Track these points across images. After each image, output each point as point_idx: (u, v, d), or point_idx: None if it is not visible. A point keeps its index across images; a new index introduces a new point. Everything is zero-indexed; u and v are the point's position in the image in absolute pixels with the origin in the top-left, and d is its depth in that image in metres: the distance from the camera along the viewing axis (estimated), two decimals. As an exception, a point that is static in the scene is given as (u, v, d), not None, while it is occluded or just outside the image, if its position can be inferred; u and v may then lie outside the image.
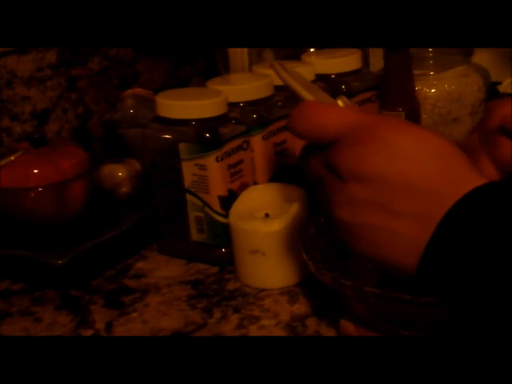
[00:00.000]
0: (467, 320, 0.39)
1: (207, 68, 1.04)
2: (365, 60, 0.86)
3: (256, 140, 0.69)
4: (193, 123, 0.64)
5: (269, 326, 0.58)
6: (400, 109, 0.75)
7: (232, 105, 0.67)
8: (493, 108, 0.56)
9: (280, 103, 0.71)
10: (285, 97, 0.70)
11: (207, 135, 0.64)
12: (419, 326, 0.51)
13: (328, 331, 0.56)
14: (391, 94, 0.76)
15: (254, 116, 0.69)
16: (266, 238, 0.62)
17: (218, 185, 0.65)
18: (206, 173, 0.65)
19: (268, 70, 0.70)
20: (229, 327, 0.58)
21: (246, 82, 0.72)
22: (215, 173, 0.65)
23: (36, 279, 0.66)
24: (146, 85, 0.95)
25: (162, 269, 0.68)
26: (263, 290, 0.63)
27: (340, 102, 0.48)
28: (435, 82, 0.82)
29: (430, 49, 0.83)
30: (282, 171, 0.72)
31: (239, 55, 0.87)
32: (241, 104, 0.69)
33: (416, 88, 0.78)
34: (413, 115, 0.76)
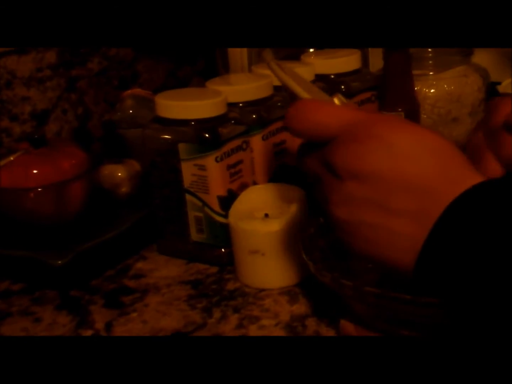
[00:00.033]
0: (464, 319, 0.39)
1: (206, 68, 1.04)
2: (365, 60, 0.86)
3: (256, 140, 0.69)
4: (193, 123, 0.64)
5: (269, 326, 0.58)
6: (400, 109, 0.76)
7: (231, 105, 0.67)
8: (497, 105, 0.56)
9: (279, 103, 0.71)
10: (285, 97, 0.70)
11: (207, 135, 0.64)
12: (419, 326, 0.51)
13: (328, 331, 0.56)
14: (391, 94, 0.76)
15: (254, 116, 0.69)
16: (266, 238, 0.62)
17: (217, 185, 0.65)
18: (206, 173, 0.65)
19: (267, 70, 0.70)
20: (229, 327, 0.58)
21: (245, 82, 0.72)
22: (214, 173, 0.65)
23: (36, 279, 0.66)
24: (145, 85, 0.96)
25: (162, 269, 0.68)
26: (263, 290, 0.63)
27: (336, 100, 0.48)
28: (434, 82, 0.82)
29: (430, 49, 0.83)
30: (282, 171, 0.72)
31: (238, 55, 0.87)
32: (241, 104, 0.69)
33: (416, 88, 0.78)
34: (413, 115, 0.76)
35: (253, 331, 0.57)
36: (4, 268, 0.68)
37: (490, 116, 0.56)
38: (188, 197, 0.66)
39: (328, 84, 0.75)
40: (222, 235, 0.66)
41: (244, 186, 0.67)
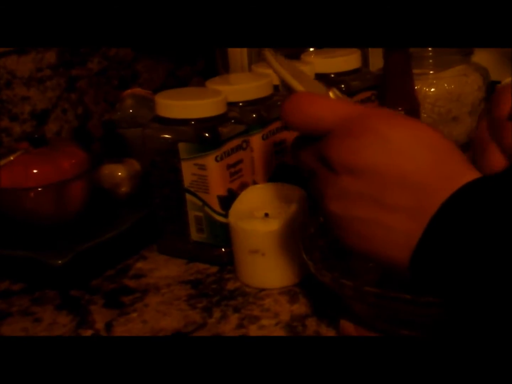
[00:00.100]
0: (461, 315, 0.39)
1: (206, 68, 1.04)
2: (365, 60, 0.86)
3: (256, 140, 0.69)
4: (193, 122, 0.64)
5: (269, 326, 0.58)
6: (400, 109, 0.75)
7: (231, 105, 0.67)
8: (501, 94, 0.55)
9: (279, 103, 0.70)
10: (285, 96, 0.70)
11: (207, 134, 0.64)
12: (419, 326, 0.51)
13: (328, 331, 0.56)
14: (391, 93, 0.76)
15: (254, 115, 0.69)
16: (266, 238, 0.62)
17: (217, 185, 0.65)
18: (206, 172, 0.65)
19: (267, 69, 0.70)
20: (229, 327, 0.58)
21: (245, 81, 0.72)
22: (214, 172, 0.65)
23: (36, 279, 0.66)
24: (145, 85, 0.95)
25: (162, 269, 0.68)
26: (263, 290, 0.63)
27: (331, 94, 0.48)
28: (434, 81, 0.82)
29: (430, 49, 0.83)
30: (282, 170, 0.72)
31: (238, 55, 0.87)
32: (241, 104, 0.69)
33: (416, 88, 0.78)
34: (413, 114, 0.76)
35: (253, 331, 0.57)
36: (4, 268, 0.68)
37: (494, 107, 0.55)
38: (188, 196, 0.66)
39: (328, 83, 0.75)
40: (222, 234, 0.66)
41: (244, 186, 0.67)
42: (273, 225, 0.62)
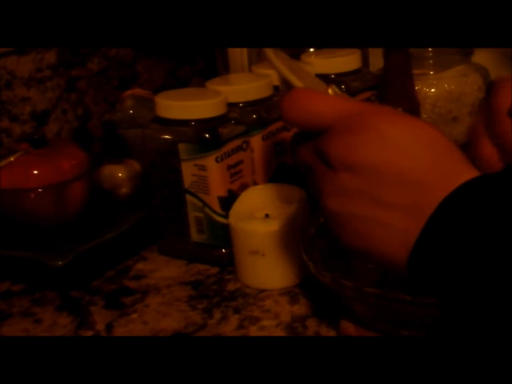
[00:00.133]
0: (459, 314, 0.39)
1: (206, 68, 1.04)
2: (365, 60, 0.86)
3: (256, 141, 0.69)
4: (193, 123, 0.64)
5: (270, 327, 0.58)
6: (400, 109, 0.75)
7: (231, 106, 0.67)
8: (498, 88, 0.55)
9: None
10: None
11: (207, 135, 0.64)
12: (419, 326, 0.50)
13: (328, 332, 0.56)
14: (391, 93, 0.76)
15: (254, 116, 0.69)
16: (266, 239, 0.62)
17: (217, 186, 0.65)
18: (206, 173, 0.64)
19: (267, 70, 0.70)
20: (229, 328, 0.58)
21: (245, 82, 0.72)
22: (214, 173, 0.65)
23: (36, 280, 0.66)
24: (145, 85, 0.95)
25: (162, 270, 0.68)
26: (263, 290, 0.63)
27: (330, 91, 0.48)
28: (435, 82, 0.82)
29: (430, 49, 0.83)
30: (282, 171, 0.72)
31: (238, 55, 0.87)
32: (241, 105, 0.69)
33: (416, 88, 0.78)
34: (413, 114, 0.76)
35: (254, 331, 0.57)
36: (5, 269, 0.68)
37: (492, 101, 0.55)
38: (188, 197, 0.66)
39: (328, 83, 0.75)
40: (223, 235, 0.66)
41: (244, 186, 0.67)
42: (273, 226, 0.62)
